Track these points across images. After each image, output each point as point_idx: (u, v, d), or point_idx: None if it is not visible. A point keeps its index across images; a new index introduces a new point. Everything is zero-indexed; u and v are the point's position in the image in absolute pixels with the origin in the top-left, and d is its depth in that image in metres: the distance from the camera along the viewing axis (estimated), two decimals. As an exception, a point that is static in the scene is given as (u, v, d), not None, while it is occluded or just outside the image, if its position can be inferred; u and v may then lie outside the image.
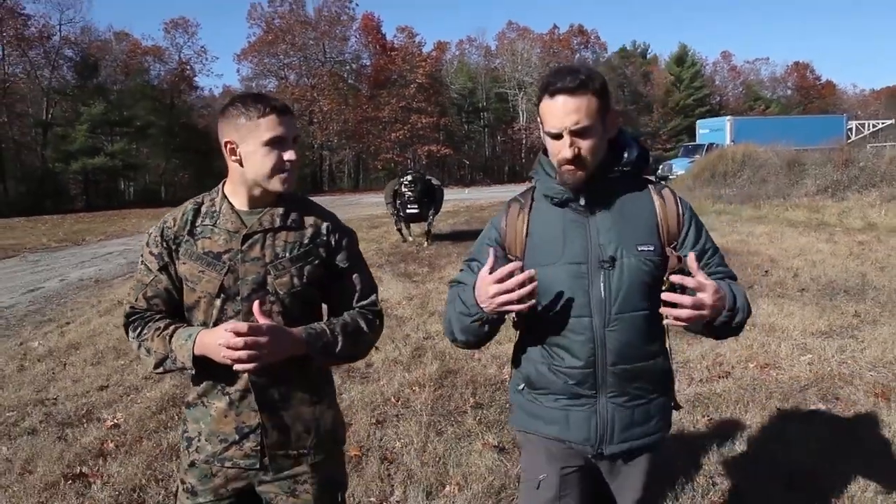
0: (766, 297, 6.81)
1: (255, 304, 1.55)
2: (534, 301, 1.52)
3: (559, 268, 1.61)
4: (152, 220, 22.64)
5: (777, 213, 15.14)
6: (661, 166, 31.12)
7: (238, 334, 1.46)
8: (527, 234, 1.68)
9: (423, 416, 3.95)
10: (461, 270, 1.78)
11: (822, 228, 12.48)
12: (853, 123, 35.93)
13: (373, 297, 1.78)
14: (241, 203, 1.69)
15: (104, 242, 17.34)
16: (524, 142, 57.20)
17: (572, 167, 1.57)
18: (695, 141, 33.52)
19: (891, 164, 14.98)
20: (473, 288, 1.58)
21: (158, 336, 1.63)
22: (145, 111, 48.56)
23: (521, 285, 1.47)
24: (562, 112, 1.54)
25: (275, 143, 1.59)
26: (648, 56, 70.00)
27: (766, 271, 8.34)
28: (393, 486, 3.16)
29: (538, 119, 1.64)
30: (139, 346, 1.68)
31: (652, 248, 1.61)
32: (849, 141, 30.78)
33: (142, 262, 1.73)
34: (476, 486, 3.07)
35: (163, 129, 49.22)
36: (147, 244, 1.72)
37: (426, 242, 12.61)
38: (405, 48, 54.51)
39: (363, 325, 1.71)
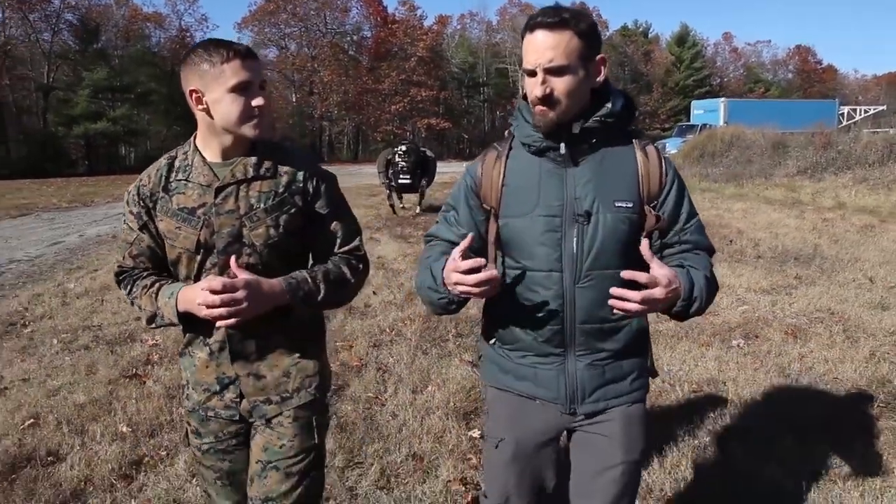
0: (724, 262, 7.60)
1: (232, 259, 1.55)
2: (495, 292, 1.49)
3: (532, 219, 1.56)
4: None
5: (758, 192, 15.90)
6: (655, 144, 31.86)
7: (213, 291, 1.47)
8: (503, 183, 1.61)
9: (412, 341, 4.77)
10: (437, 222, 1.76)
11: (796, 206, 13.25)
12: (845, 109, 36.49)
13: (356, 242, 1.76)
14: (213, 154, 1.66)
15: (112, 204, 18.00)
16: (523, 117, 57.53)
17: (544, 107, 1.51)
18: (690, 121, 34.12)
19: (865, 148, 15.73)
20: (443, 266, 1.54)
21: (146, 294, 1.66)
22: (146, 78, 48.73)
23: (484, 281, 1.43)
24: (539, 47, 1.47)
25: (241, 89, 1.55)
26: (650, 35, 69.99)
27: (731, 241, 9.13)
28: (386, 386, 3.97)
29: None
30: (132, 304, 1.73)
31: (630, 205, 1.55)
32: (840, 125, 31.36)
33: (124, 221, 1.74)
34: (451, 387, 3.89)
35: (164, 96, 49.40)
36: (127, 202, 1.72)
37: (417, 209, 12.80)
38: (406, 21, 54.55)
39: (346, 271, 1.71)
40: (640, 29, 69.67)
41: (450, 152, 51.26)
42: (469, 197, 1.68)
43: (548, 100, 1.49)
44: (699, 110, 34.55)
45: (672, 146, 27.52)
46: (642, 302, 1.39)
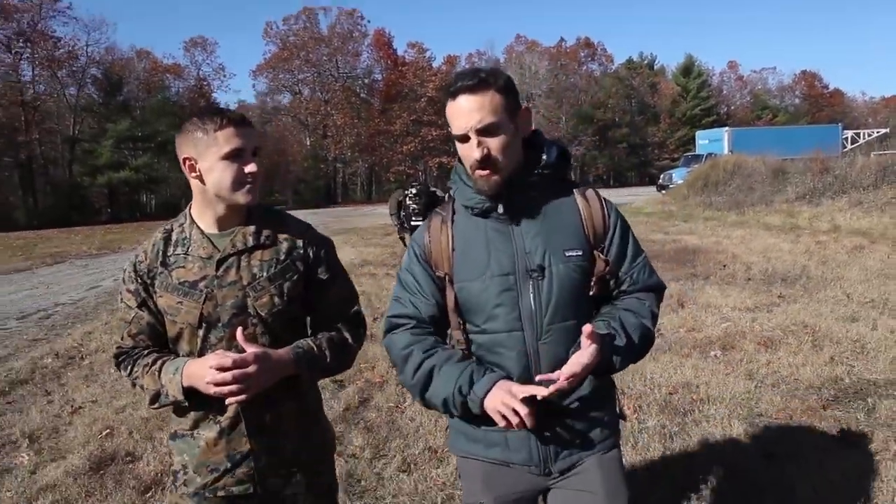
0: (714, 284, 8.20)
1: (238, 331, 1.53)
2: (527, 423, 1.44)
3: (486, 280, 1.56)
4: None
5: (758, 218, 16.48)
6: (661, 176, 32.42)
7: (223, 368, 1.46)
8: (452, 247, 1.61)
9: (426, 361, 5.39)
10: (394, 299, 1.70)
11: (793, 231, 13.79)
12: (849, 133, 37.01)
13: (356, 307, 1.78)
14: (209, 225, 1.65)
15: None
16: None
17: (486, 171, 1.51)
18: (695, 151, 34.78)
19: (860, 172, 16.27)
20: (469, 379, 1.52)
21: (148, 372, 1.62)
22: (166, 126, 50.41)
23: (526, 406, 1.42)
24: (465, 111, 1.48)
25: (234, 156, 1.55)
26: (655, 67, 71.28)
27: (725, 265, 9.71)
28: (405, 397, 4.59)
29: (448, 128, 1.57)
30: (133, 385, 1.68)
31: (580, 253, 1.56)
32: (844, 150, 31.81)
33: (121, 299, 1.70)
34: (461, 395, 4.50)
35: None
36: (123, 281, 1.69)
37: None
38: (416, 63, 56.31)
39: (348, 336, 1.73)
40: (646, 61, 70.95)
41: (461, 189, 52.20)
42: (423, 265, 1.66)
43: (487, 161, 1.50)
44: (704, 140, 35.21)
45: (678, 176, 28.08)
46: (557, 389, 1.42)
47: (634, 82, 65.39)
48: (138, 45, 55.97)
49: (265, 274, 1.63)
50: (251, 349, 1.51)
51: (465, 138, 1.52)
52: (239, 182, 1.57)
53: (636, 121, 63.79)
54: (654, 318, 1.62)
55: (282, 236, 1.68)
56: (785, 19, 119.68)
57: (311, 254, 1.70)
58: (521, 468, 1.62)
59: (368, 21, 56.55)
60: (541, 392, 1.42)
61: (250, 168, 1.58)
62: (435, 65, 58.40)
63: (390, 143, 53.53)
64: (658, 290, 1.68)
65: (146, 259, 1.66)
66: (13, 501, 3.35)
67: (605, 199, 1.65)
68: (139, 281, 1.65)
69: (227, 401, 1.51)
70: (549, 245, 1.55)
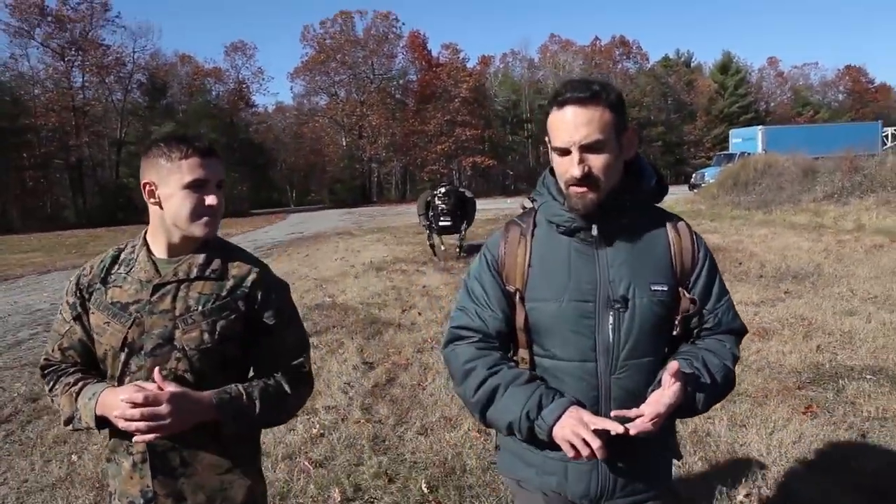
0: (727, 281, 8.51)
1: (156, 370, 1.46)
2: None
3: (563, 305, 1.47)
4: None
5: (784, 218, 16.60)
6: (694, 175, 32.42)
7: (134, 404, 1.38)
8: (528, 263, 1.53)
9: (448, 347, 5.98)
10: (459, 309, 1.63)
11: (817, 230, 13.95)
12: (889, 130, 36.31)
13: (302, 358, 1.69)
14: (160, 250, 1.60)
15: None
16: (566, 152, 58.64)
17: (583, 188, 1.43)
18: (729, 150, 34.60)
19: (891, 171, 16.29)
20: (538, 404, 1.44)
21: (66, 392, 1.56)
22: (208, 129, 52.14)
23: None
24: (571, 125, 1.40)
25: (196, 187, 1.52)
26: (692, 65, 70.54)
27: (740, 263, 10.06)
28: (426, 377, 5.18)
29: (546, 137, 1.49)
30: (52, 401, 1.62)
31: (666, 289, 1.49)
32: (884, 147, 31.30)
33: (60, 311, 1.65)
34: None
35: (224, 145, 52.68)
36: (66, 291, 1.65)
37: (458, 254, 12.59)
38: (450, 64, 56.86)
39: (286, 387, 1.63)
40: (682, 59, 70.23)
41: (495, 189, 52.71)
42: (494, 276, 1.58)
43: (587, 179, 1.41)
44: (737, 139, 35.02)
45: (710, 175, 28.09)
46: (641, 430, 1.36)
47: (670, 80, 64.89)
48: (181, 51, 57.94)
49: (200, 308, 1.55)
50: (168, 388, 1.43)
51: (566, 152, 1.43)
52: (197, 214, 1.53)
53: (672, 119, 63.32)
54: (736, 361, 1.56)
55: (231, 272, 1.61)
56: (827, 12, 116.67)
57: (258, 296, 1.61)
58: (574, 499, 1.55)
59: (403, 23, 57.01)
60: (616, 428, 1.34)
61: (211, 200, 1.54)
62: (469, 65, 58.90)
63: (424, 142, 54.22)
64: (740, 333, 1.62)
65: (90, 274, 1.63)
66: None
67: (695, 233, 1.58)
68: (78, 294, 1.61)
69: (134, 438, 1.44)
70: (635, 276, 1.47)
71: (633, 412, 1.38)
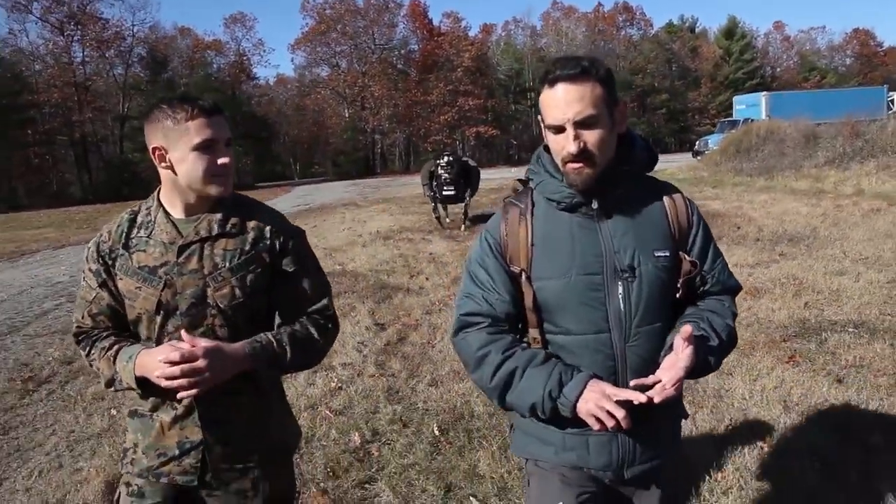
0: (724, 244, 8.83)
1: (183, 332, 1.50)
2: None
3: (572, 280, 1.50)
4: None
5: (786, 183, 16.76)
6: (697, 142, 32.38)
7: (172, 363, 1.43)
8: (531, 242, 1.54)
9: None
10: (466, 296, 1.62)
11: (816, 195, 14.13)
12: (895, 94, 36.08)
13: (325, 301, 1.73)
14: (177, 210, 1.62)
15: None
16: (569, 120, 58.48)
17: (579, 164, 1.45)
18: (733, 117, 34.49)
19: (892, 136, 16.40)
20: (558, 382, 1.46)
21: (104, 356, 1.60)
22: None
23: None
24: (563, 101, 1.42)
25: (205, 147, 1.53)
26: (697, 30, 69.74)
27: (739, 227, 10.31)
28: (435, 336, 5.50)
29: (539, 116, 1.52)
30: (90, 365, 1.66)
31: (668, 254, 1.52)
32: (889, 112, 31.16)
33: (83, 278, 1.67)
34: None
35: (226, 118, 52.68)
36: (86, 259, 1.66)
37: (463, 226, 12.44)
38: (451, 33, 56.43)
39: (314, 331, 1.68)
40: (687, 24, 69.42)
41: (499, 158, 52.73)
42: (497, 259, 1.58)
43: (582, 155, 1.43)
44: (741, 105, 34.82)
45: (713, 142, 28.09)
46: (665, 397, 1.40)
47: (675, 46, 64.23)
48: (180, 24, 57.55)
49: (227, 264, 1.59)
50: (202, 343, 1.47)
51: (560, 129, 1.45)
52: (212, 174, 1.55)
53: (676, 86, 62.80)
54: (735, 318, 1.62)
55: (250, 225, 1.63)
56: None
57: (277, 245, 1.65)
58: (596, 473, 1.59)
59: (404, -9, 56.55)
60: (638, 397, 1.38)
61: (223, 160, 1.56)
62: (471, 34, 58.45)
63: (427, 113, 54.07)
64: (736, 291, 1.68)
65: (109, 240, 1.63)
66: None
67: (687, 198, 1.62)
68: (101, 261, 1.62)
69: (178, 395, 1.48)
70: (639, 245, 1.51)
71: (650, 379, 1.41)
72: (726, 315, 1.58)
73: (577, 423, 1.47)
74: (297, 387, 4.37)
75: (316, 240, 12.20)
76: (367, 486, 3.16)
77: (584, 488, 1.60)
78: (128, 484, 1.68)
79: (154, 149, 1.55)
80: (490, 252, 1.59)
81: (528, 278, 1.53)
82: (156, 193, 1.66)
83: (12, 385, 4.98)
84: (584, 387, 1.44)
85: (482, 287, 1.59)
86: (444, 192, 12.26)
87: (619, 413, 1.37)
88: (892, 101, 35.03)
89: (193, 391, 1.47)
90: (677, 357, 1.41)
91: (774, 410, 3.62)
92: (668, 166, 26.57)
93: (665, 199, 1.58)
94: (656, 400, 1.39)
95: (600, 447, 1.55)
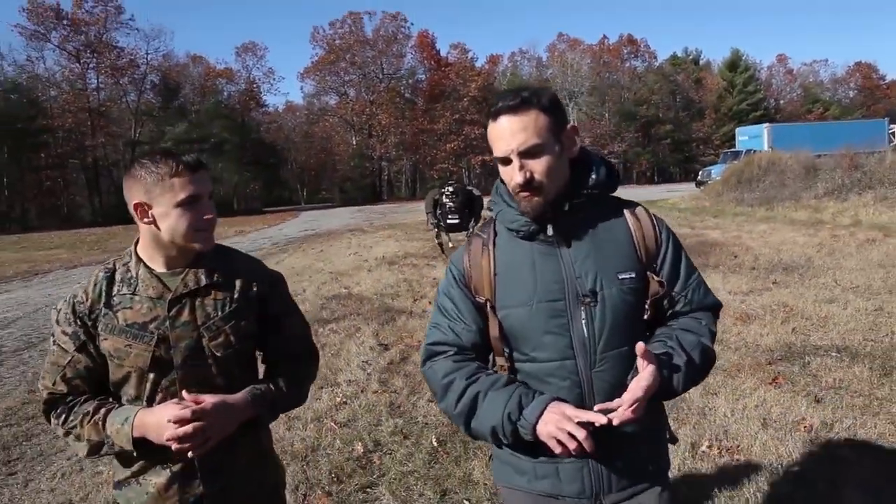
0: (721, 272, 9.08)
1: (183, 392, 1.51)
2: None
3: (534, 307, 1.49)
4: (228, 227, 26.04)
5: (785, 214, 17.03)
6: (700, 172, 32.78)
7: (182, 421, 1.42)
8: (494, 272, 1.56)
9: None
10: (432, 327, 1.64)
11: (815, 226, 14.36)
12: (895, 127, 36.53)
13: (308, 341, 1.81)
14: (158, 264, 1.61)
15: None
16: (574, 150, 59.21)
17: (527, 193, 1.46)
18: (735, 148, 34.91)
19: (890, 168, 16.68)
20: (518, 404, 1.44)
21: (89, 423, 1.54)
22: (219, 129, 53.06)
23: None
24: (507, 133, 1.43)
25: (190, 203, 1.53)
26: (701, 62, 70.71)
27: (736, 256, 10.54)
28: (436, 356, 5.72)
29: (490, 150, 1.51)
30: (66, 434, 1.58)
31: (633, 275, 1.50)
32: (892, 144, 31.50)
33: (53, 342, 1.61)
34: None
35: (235, 144, 53.53)
36: (58, 322, 1.60)
37: None
38: (458, 63, 57.50)
39: (303, 369, 1.77)
40: (691, 56, 70.42)
41: (503, 186, 53.09)
42: (462, 289, 1.60)
43: (530, 184, 1.45)
44: (744, 136, 35.30)
45: (716, 173, 28.43)
46: (623, 419, 1.36)
47: (679, 78, 65.14)
48: (193, 51, 58.79)
49: (219, 313, 1.60)
50: (209, 399, 1.49)
51: (506, 161, 1.47)
52: (195, 229, 1.56)
53: (680, 116, 63.60)
54: (713, 336, 1.58)
55: (235, 275, 1.67)
56: (837, 9, 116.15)
57: (263, 292, 1.69)
58: (571, 501, 1.56)
59: (412, 24, 58.21)
60: (598, 419, 1.35)
61: (207, 216, 1.57)
62: (478, 65, 59.48)
63: (434, 141, 54.90)
64: (714, 308, 1.64)
65: (87, 299, 1.59)
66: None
67: (655, 216, 1.60)
68: (78, 323, 1.58)
69: (189, 454, 1.48)
70: (600, 268, 1.49)
71: (614, 403, 1.39)
72: (701, 332, 1.55)
73: (547, 450, 1.44)
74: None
75: (322, 264, 12.50)
76: (368, 490, 3.38)
77: None
78: None
79: (136, 205, 1.54)
80: (454, 283, 1.61)
81: (493, 308, 1.54)
82: (132, 249, 1.64)
83: (32, 396, 5.21)
84: (545, 408, 1.42)
85: (448, 317, 1.61)
86: (449, 221, 12.35)
87: (580, 434, 1.35)
88: (893, 133, 35.44)
89: (204, 449, 1.49)
90: (639, 377, 1.40)
91: (753, 427, 3.83)
92: (671, 196, 26.93)
93: (629, 218, 1.57)
94: (615, 422, 1.36)
95: (572, 475, 1.54)
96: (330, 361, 5.69)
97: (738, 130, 38.27)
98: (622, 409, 1.36)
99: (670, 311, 1.59)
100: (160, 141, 47.43)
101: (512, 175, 1.47)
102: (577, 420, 1.37)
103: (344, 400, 4.70)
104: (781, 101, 71.19)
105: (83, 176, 47.72)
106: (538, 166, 1.45)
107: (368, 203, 45.71)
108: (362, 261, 12.56)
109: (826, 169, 19.03)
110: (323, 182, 64.19)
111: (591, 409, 1.42)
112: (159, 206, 1.52)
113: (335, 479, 3.47)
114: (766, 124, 35.93)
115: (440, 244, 13.04)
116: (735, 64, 66.23)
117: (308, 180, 64.99)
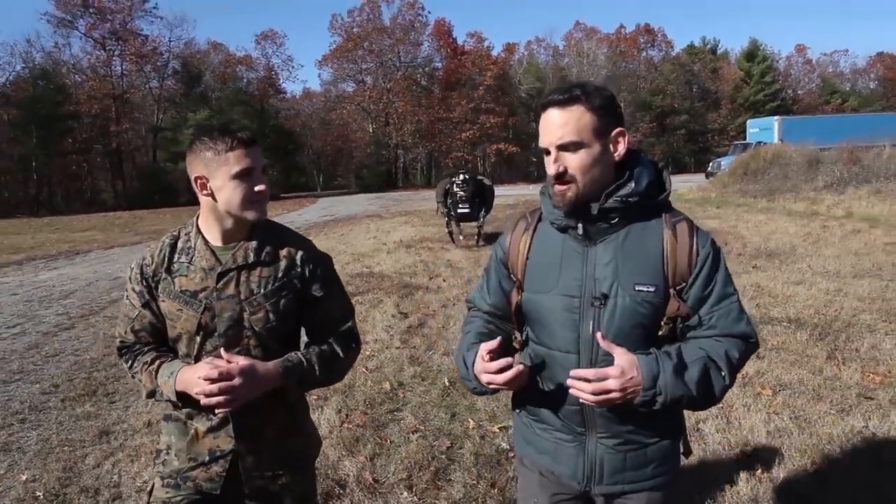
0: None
1: (222, 351, 1.63)
2: (525, 383, 1.52)
3: (552, 297, 1.56)
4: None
5: (785, 205, 17.74)
6: (710, 163, 33.29)
7: (210, 380, 1.55)
8: (527, 256, 1.63)
9: (466, 303, 7.52)
10: (479, 289, 1.81)
11: (810, 217, 15.11)
12: (910, 120, 36.66)
13: (349, 323, 1.87)
14: (214, 237, 1.73)
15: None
16: (588, 139, 59.49)
17: (560, 186, 1.50)
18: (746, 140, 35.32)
19: (887, 162, 17.33)
20: (469, 352, 1.59)
21: (146, 370, 1.73)
22: (240, 115, 53.94)
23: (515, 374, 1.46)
24: (550, 126, 1.49)
25: (244, 175, 1.63)
26: (718, 52, 70.44)
27: (726, 243, 11.37)
28: (449, 323, 6.70)
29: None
30: (133, 377, 1.79)
31: (653, 290, 1.49)
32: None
33: (126, 297, 1.79)
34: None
35: (255, 130, 53.49)
36: (130, 279, 1.78)
37: (476, 244, 12.66)
38: (475, 51, 57.90)
39: (339, 350, 1.81)
40: (708, 46, 70.01)
41: (518, 175, 53.83)
42: (498, 267, 1.71)
43: (562, 177, 1.49)
44: (754, 129, 35.67)
45: (726, 164, 28.88)
46: (594, 393, 1.40)
47: (695, 68, 65.05)
48: (213, 39, 59.77)
49: (262, 290, 1.71)
50: (240, 361, 1.60)
51: (547, 151, 1.52)
52: (249, 200, 1.66)
53: (696, 107, 63.59)
54: (730, 363, 1.48)
55: (282, 253, 1.76)
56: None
57: (307, 272, 1.77)
58: (565, 480, 1.65)
59: (429, 12, 58.53)
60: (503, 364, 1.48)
61: (259, 187, 1.67)
62: (494, 53, 59.92)
63: (450, 129, 55.45)
64: (743, 338, 1.53)
65: (152, 263, 1.75)
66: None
67: (698, 232, 1.55)
68: (144, 283, 1.75)
69: (217, 410, 1.63)
70: (619, 275, 1.51)
71: (590, 372, 1.44)
72: (713, 350, 1.48)
73: (551, 426, 1.63)
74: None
75: (344, 247, 13.50)
76: (395, 412, 4.39)
77: (559, 493, 1.68)
78: (161, 477, 1.81)
79: (196, 178, 1.68)
80: (496, 258, 1.75)
81: (521, 288, 1.64)
82: (195, 220, 1.78)
83: (110, 350, 6.25)
84: (475, 357, 1.55)
85: (486, 282, 1.80)
86: (459, 210, 12.43)
87: (491, 368, 1.48)
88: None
89: (230, 407, 1.60)
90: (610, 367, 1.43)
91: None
92: (681, 186, 27.55)
93: (667, 232, 1.53)
94: (568, 383, 1.45)
95: (568, 457, 1.62)
96: (357, 326, 6.67)
97: (748, 122, 38.62)
98: (587, 382, 1.43)
99: (691, 334, 1.55)
100: (182, 126, 48.50)
101: (548, 166, 1.54)
102: (493, 370, 1.49)
103: (372, 353, 5.70)
104: (800, 92, 70.78)
105: (107, 161, 48.99)
106: (573, 161, 1.50)
107: (384, 190, 46.59)
108: (381, 244, 13.54)
109: (827, 162, 19.66)
110: (339, 168, 64.97)
111: (587, 408, 1.54)
112: (216, 178, 1.65)
113: (369, 405, 4.48)
114: (777, 117, 36.29)
115: (450, 233, 13.11)
116: (753, 54, 65.90)
117: (325, 167, 65.88)
